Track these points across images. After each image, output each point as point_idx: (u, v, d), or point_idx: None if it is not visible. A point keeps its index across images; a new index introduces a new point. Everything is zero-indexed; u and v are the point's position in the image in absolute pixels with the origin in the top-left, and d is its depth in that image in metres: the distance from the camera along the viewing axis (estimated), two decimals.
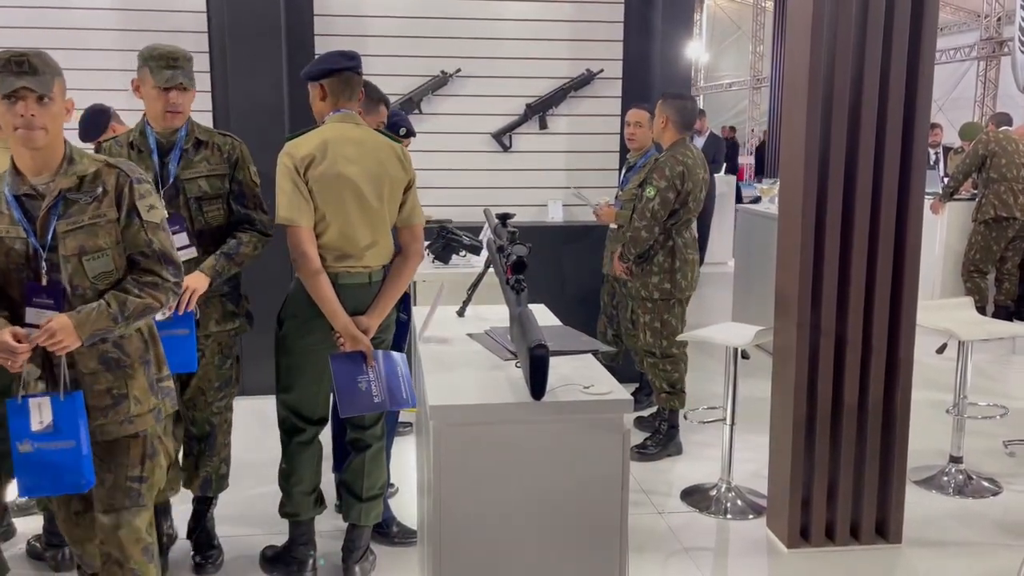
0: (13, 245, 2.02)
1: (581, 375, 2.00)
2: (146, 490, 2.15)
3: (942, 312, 3.91)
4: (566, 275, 5.05)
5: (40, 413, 2.00)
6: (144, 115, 2.72)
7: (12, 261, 2.03)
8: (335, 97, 2.71)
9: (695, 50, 22.10)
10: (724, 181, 10.01)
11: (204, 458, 2.97)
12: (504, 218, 2.34)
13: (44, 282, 2.02)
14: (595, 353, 2.28)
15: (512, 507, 1.84)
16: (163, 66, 2.58)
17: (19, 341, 1.94)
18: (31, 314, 2.02)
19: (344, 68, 2.71)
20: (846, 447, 3.17)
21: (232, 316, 2.85)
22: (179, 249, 2.46)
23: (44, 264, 2.01)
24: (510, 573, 1.88)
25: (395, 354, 2.74)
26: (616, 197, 4.54)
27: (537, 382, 1.79)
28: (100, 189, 2.04)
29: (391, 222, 2.74)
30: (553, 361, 2.08)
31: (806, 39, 2.96)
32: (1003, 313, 6.41)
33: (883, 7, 2.95)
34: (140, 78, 2.65)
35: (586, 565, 1.88)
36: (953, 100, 15.58)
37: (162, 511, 3.00)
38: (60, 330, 1.93)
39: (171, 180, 2.67)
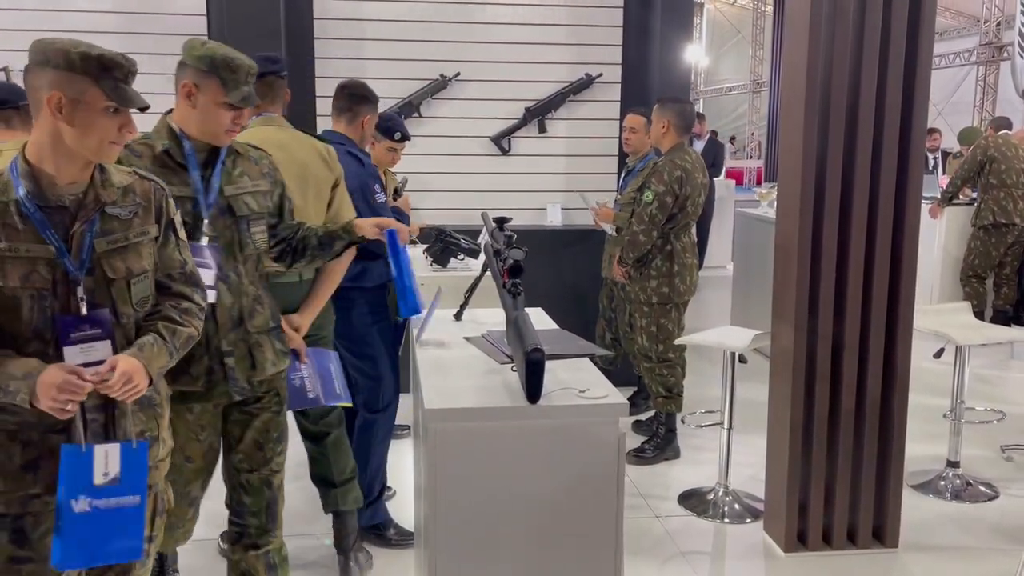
0: (35, 268, 1.66)
1: (577, 379, 2.00)
2: (152, 549, 1.91)
3: (939, 317, 3.92)
4: (565, 278, 5.06)
5: (107, 463, 1.69)
6: (168, 121, 2.18)
7: (31, 287, 1.66)
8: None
9: (695, 54, 22.15)
10: (723, 185, 10.03)
11: (265, 537, 2.39)
12: (501, 222, 2.35)
13: (84, 311, 1.69)
14: (592, 357, 2.28)
15: (508, 510, 1.85)
16: (241, 81, 2.14)
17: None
18: (72, 353, 1.68)
19: (268, 72, 2.69)
20: (843, 451, 3.17)
21: (283, 355, 2.36)
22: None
23: (81, 290, 1.69)
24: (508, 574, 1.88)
25: (327, 351, 2.73)
26: (615, 201, 4.55)
27: (533, 386, 1.80)
28: (138, 202, 1.79)
29: (319, 221, 2.69)
30: (549, 365, 2.08)
31: (803, 44, 2.96)
32: (1001, 318, 6.41)
33: (880, 13, 2.96)
34: (198, 84, 2.11)
35: (582, 568, 1.88)
36: (953, 104, 15.63)
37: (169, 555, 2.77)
38: (131, 370, 1.67)
39: (214, 198, 2.16)
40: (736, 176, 14.00)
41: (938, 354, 5.58)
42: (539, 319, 2.67)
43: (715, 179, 9.19)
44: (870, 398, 3.16)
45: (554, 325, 2.66)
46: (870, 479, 3.20)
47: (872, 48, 2.97)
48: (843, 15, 2.95)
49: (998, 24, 14.49)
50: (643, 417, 4.58)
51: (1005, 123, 6.58)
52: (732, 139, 19.54)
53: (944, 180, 7.59)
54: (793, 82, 3.05)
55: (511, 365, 2.03)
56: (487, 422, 1.82)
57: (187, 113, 2.13)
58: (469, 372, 2.06)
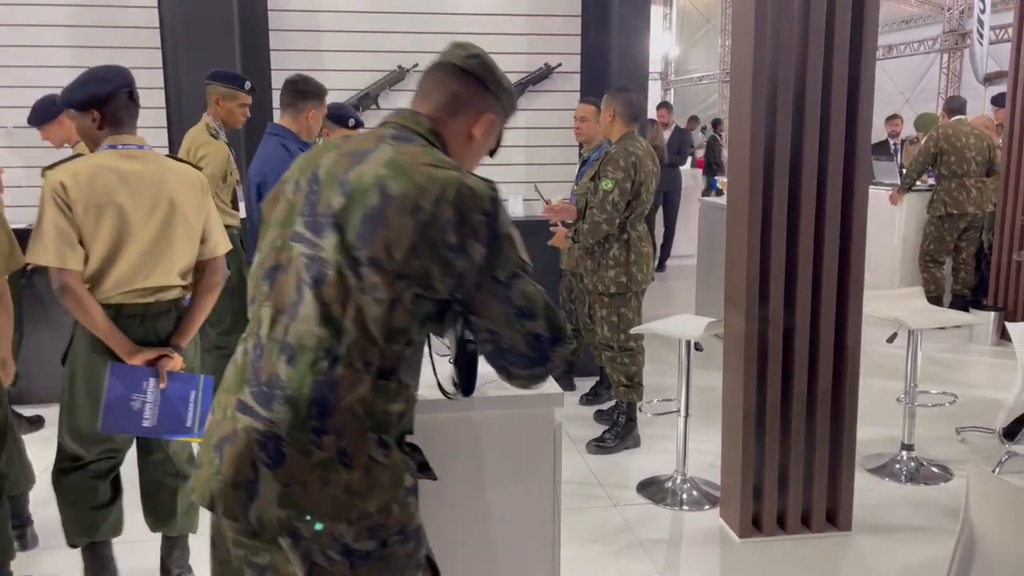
0: None
1: None
2: None
3: (892, 302, 3.96)
4: None
5: None
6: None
7: None
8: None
9: (666, 44, 22.17)
10: (690, 175, 10.07)
11: None
12: None
13: None
14: None
15: (444, 502, 1.84)
16: None
17: None
18: None
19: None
20: (796, 437, 3.20)
21: None
22: None
23: None
24: (445, 567, 1.87)
25: (195, 377, 2.62)
26: (572, 192, 4.55)
27: (467, 378, 1.77)
28: None
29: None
30: None
31: (750, 36, 2.97)
32: (960, 303, 6.49)
33: (824, 5, 2.97)
34: (496, 123, 1.71)
35: (521, 557, 1.88)
36: (919, 93, 15.77)
37: None
38: None
39: None
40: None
41: (891, 339, 5.62)
42: None
43: (681, 168, 9.23)
44: (821, 383, 3.18)
45: None
46: (823, 463, 3.23)
47: (817, 39, 2.98)
48: (787, 8, 2.96)
49: (961, 12, 14.63)
50: (605, 407, 4.59)
51: (958, 105, 6.62)
52: (703, 129, 19.58)
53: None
54: (740, 70, 3.06)
55: (448, 357, 2.01)
56: (421, 415, 1.80)
57: (464, 153, 1.67)
58: None
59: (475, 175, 1.51)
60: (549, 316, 1.49)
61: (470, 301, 1.47)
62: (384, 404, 1.46)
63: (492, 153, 1.75)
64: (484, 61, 1.65)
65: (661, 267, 8.79)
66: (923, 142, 6.64)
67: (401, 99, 5.05)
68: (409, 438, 1.62)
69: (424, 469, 1.59)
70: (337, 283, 1.42)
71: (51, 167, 2.48)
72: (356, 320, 1.42)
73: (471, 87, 1.63)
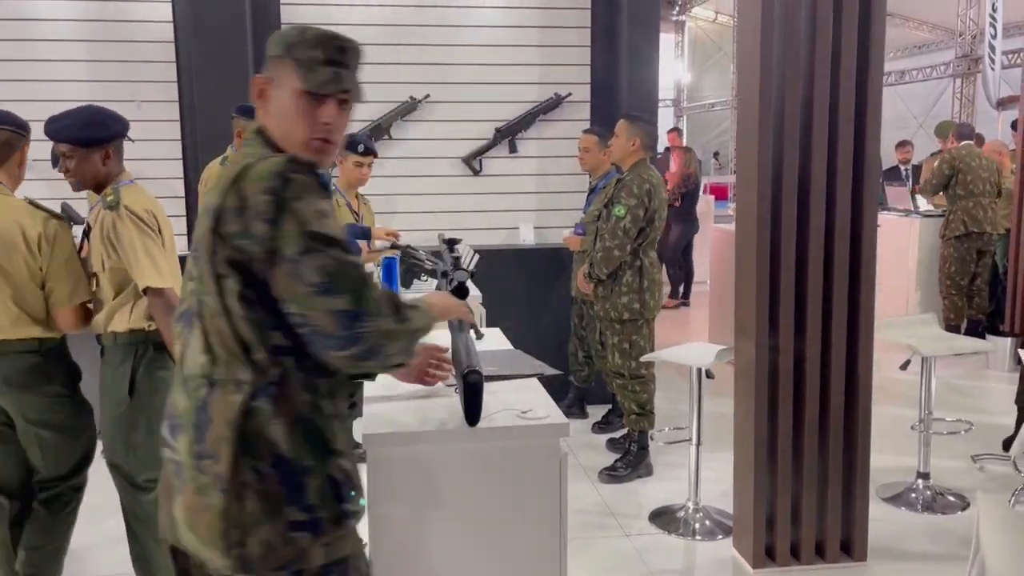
0: None
1: (522, 400, 1.99)
2: None
3: (905, 329, 3.93)
4: (538, 297, 5.06)
5: None
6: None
7: None
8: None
9: (678, 71, 22.27)
10: (703, 200, 10.05)
11: None
12: (451, 243, 2.35)
13: None
14: (566, 375, 2.27)
15: (450, 533, 1.84)
16: None
17: None
18: None
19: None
20: (808, 466, 3.17)
21: None
22: None
23: None
24: None
25: None
26: (579, 221, 4.57)
27: (471, 408, 1.79)
28: None
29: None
30: (496, 386, 2.08)
31: (755, 64, 2.99)
32: (975, 329, 6.43)
33: (830, 24, 2.99)
34: None
35: None
36: (932, 118, 15.74)
37: None
38: None
39: None
40: (720, 191, 14.00)
41: (904, 366, 5.58)
42: (495, 339, 2.66)
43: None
44: (833, 410, 3.16)
45: (509, 345, 2.65)
46: (836, 492, 3.20)
47: (823, 61, 3.00)
48: (793, 25, 2.98)
49: (974, 37, 14.63)
50: (617, 435, 4.57)
51: (967, 131, 6.61)
52: (716, 155, 19.61)
53: (916, 187, 7.63)
54: (747, 101, 3.08)
55: (454, 387, 2.02)
56: (426, 446, 1.81)
57: (281, 128, 1.74)
58: (412, 395, 2.05)
59: (279, 157, 1.47)
60: (356, 289, 1.40)
61: (272, 284, 1.41)
62: (258, 426, 1.42)
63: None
64: (273, 37, 1.67)
65: (686, 296, 8.76)
66: (936, 163, 6.62)
67: (413, 129, 5.12)
68: (409, 469, 1.64)
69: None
70: (205, 309, 1.47)
71: (118, 198, 2.57)
72: (220, 341, 1.45)
73: (272, 66, 1.67)
